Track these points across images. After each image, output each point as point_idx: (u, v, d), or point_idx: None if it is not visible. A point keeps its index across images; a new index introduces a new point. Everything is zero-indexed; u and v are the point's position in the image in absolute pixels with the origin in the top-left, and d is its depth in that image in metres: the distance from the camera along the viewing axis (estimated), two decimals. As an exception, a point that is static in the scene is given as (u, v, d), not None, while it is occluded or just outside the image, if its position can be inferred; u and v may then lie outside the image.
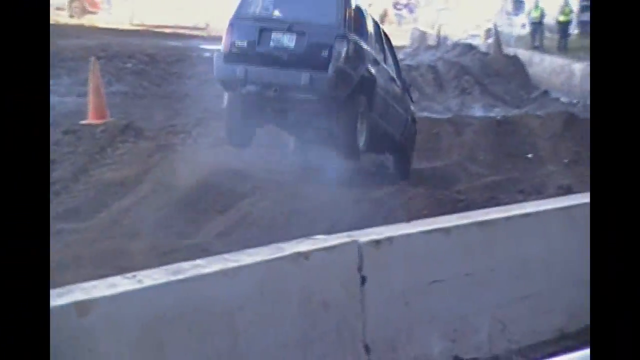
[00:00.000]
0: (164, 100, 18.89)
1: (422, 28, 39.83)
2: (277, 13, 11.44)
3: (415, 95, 16.83)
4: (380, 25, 13.38)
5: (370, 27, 11.95)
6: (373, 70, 11.57)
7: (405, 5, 49.83)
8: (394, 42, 13.92)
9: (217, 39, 27.26)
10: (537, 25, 29.15)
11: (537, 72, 25.59)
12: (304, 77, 10.87)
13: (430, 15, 44.76)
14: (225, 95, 11.44)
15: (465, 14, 38.31)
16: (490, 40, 30.72)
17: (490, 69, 26.06)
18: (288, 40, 11.15)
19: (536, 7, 29.25)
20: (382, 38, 12.57)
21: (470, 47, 29.34)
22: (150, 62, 21.71)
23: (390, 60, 12.79)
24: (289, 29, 11.07)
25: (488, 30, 33.76)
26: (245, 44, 11.24)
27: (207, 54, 23.09)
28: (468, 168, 13.83)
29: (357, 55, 11.22)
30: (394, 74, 12.67)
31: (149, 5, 33.18)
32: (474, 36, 36.38)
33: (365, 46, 11.43)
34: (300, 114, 11.11)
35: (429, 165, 13.69)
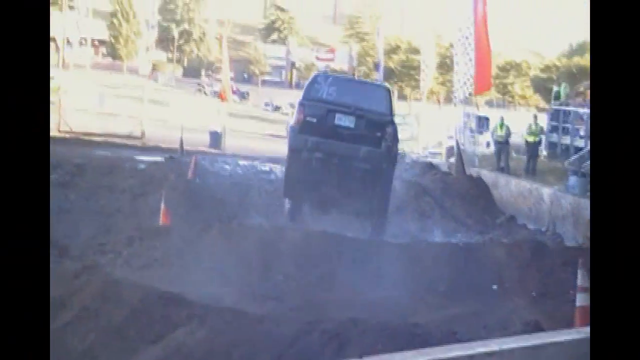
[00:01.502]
0: (93, 215, 18.80)
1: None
2: (339, 98, 16.89)
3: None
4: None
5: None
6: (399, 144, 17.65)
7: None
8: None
9: (153, 150, 27.29)
10: (503, 145, 29.03)
11: (502, 195, 25.61)
12: (363, 150, 16.65)
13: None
14: (290, 160, 17.05)
15: (425, 130, 38.81)
16: (452, 160, 30.76)
17: (452, 191, 26.04)
18: (349, 121, 16.75)
19: (501, 125, 29.26)
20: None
21: (431, 166, 29.41)
22: (78, 173, 21.62)
23: None
24: (351, 112, 16.74)
25: (450, 148, 33.83)
26: (315, 120, 16.72)
27: (142, 166, 23.15)
28: (426, 299, 13.86)
29: (395, 136, 16.96)
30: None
31: (78, 111, 33.26)
32: (434, 154, 36.74)
33: (397, 125, 17.31)
34: (352, 178, 16.66)
35: (383, 294, 13.69)
